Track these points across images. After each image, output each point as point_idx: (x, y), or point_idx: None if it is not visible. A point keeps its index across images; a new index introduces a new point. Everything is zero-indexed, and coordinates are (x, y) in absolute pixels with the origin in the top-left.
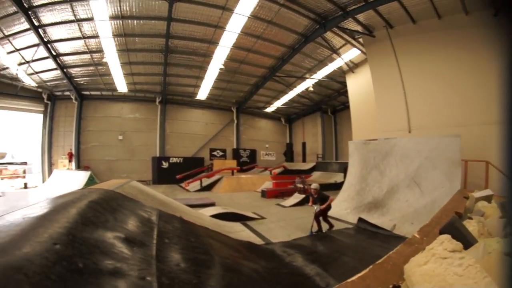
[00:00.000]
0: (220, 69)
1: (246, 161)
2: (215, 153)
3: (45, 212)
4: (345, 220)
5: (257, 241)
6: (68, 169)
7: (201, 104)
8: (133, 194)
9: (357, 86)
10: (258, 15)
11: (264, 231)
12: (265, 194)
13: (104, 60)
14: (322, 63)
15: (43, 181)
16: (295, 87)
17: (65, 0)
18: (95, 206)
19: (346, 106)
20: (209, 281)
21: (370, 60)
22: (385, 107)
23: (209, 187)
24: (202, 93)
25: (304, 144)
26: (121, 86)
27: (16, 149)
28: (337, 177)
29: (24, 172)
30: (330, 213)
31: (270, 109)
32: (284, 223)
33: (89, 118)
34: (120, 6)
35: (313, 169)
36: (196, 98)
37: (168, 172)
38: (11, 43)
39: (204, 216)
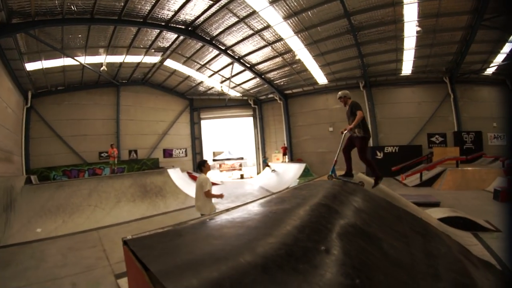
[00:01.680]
0: (417, 32)
1: (471, 148)
2: (433, 139)
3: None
4: None
5: (493, 262)
6: (282, 162)
7: (408, 81)
8: (365, 185)
9: None
10: None
11: (501, 252)
12: (498, 195)
13: (296, 58)
14: None
15: (258, 173)
16: None
17: (238, 21)
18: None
19: None
20: None
21: None
22: None
23: (429, 182)
24: (406, 67)
25: None
26: (320, 78)
27: (232, 147)
28: None
29: (240, 165)
30: None
31: (490, 70)
32: None
33: (296, 114)
34: (287, 5)
35: None
36: (401, 74)
37: (383, 163)
38: (208, 68)
39: (433, 219)
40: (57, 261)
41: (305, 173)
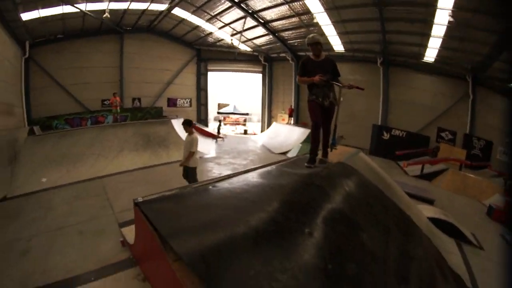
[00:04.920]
0: (449, 22)
1: (478, 155)
2: (443, 134)
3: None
4: None
5: (465, 278)
6: (287, 123)
7: (429, 69)
8: (362, 168)
9: None
10: None
11: (477, 271)
12: (492, 212)
13: (314, 20)
14: None
15: (262, 131)
16: None
17: None
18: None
19: None
20: None
21: None
22: None
23: (430, 176)
24: (430, 54)
25: None
26: (337, 46)
27: (239, 102)
28: None
29: (245, 121)
30: None
31: None
32: None
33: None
34: None
35: None
36: (422, 60)
37: (388, 145)
38: (219, 20)
39: (422, 216)
40: (64, 210)
41: (308, 139)
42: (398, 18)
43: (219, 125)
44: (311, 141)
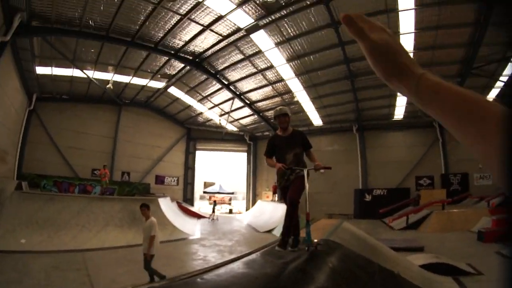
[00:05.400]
0: None
1: (457, 189)
2: (421, 181)
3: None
4: None
5: None
6: (272, 200)
7: (399, 125)
8: (347, 240)
9: None
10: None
11: None
12: (482, 236)
13: (295, 99)
14: None
15: (247, 209)
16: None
17: (243, 58)
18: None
19: None
20: None
21: None
22: None
23: (416, 225)
24: (399, 112)
25: None
26: (316, 120)
27: (224, 181)
28: None
29: (230, 199)
30: None
31: None
32: None
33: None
34: (292, 48)
35: None
36: (393, 119)
37: (370, 206)
38: (210, 101)
39: (414, 267)
40: (40, 279)
41: None
42: (367, 86)
43: (214, 206)
44: (286, 220)
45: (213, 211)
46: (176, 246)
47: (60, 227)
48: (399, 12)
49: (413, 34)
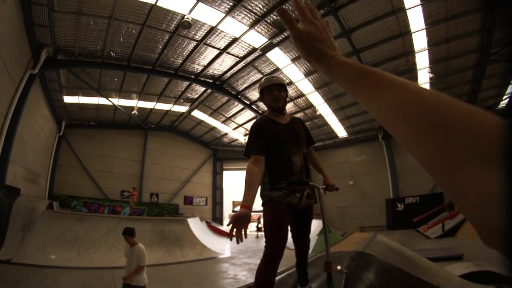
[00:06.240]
0: (430, 78)
1: None
2: None
3: None
4: None
5: None
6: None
7: None
8: (383, 253)
9: None
10: None
11: None
12: None
13: (317, 113)
14: None
15: None
16: None
17: (262, 77)
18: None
19: None
20: None
21: None
22: None
23: (452, 231)
24: None
25: None
26: (340, 132)
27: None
28: None
29: (259, 218)
30: None
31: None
32: None
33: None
34: (307, 63)
35: None
36: None
37: (403, 215)
38: (233, 121)
39: (454, 278)
40: None
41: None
42: None
43: (258, 224)
44: (263, 276)
45: (258, 229)
46: (206, 265)
47: (89, 245)
48: (407, 11)
49: (424, 30)
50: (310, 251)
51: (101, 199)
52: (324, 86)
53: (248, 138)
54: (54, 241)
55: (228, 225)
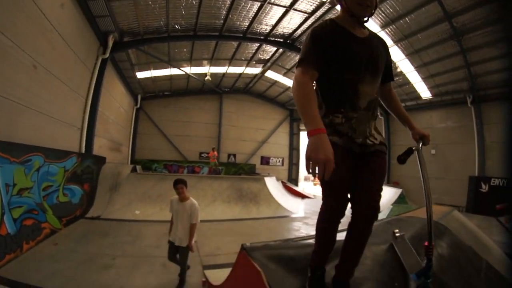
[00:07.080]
0: None
1: None
2: None
3: None
4: None
5: None
6: None
7: None
8: (456, 228)
9: None
10: None
11: None
12: None
13: (398, 69)
14: None
15: None
16: None
17: None
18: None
19: None
20: None
21: None
22: None
23: None
24: None
25: None
26: (424, 92)
27: None
28: None
29: None
30: None
31: None
32: None
33: (397, 131)
34: (383, 12)
35: None
36: None
37: (487, 198)
38: None
39: None
40: (152, 242)
41: (400, 200)
42: (478, 45)
43: None
44: (319, 243)
45: None
46: (280, 222)
47: None
48: None
49: None
50: (385, 216)
51: (180, 161)
52: (403, 39)
53: (305, 44)
54: (139, 198)
55: (307, 166)
